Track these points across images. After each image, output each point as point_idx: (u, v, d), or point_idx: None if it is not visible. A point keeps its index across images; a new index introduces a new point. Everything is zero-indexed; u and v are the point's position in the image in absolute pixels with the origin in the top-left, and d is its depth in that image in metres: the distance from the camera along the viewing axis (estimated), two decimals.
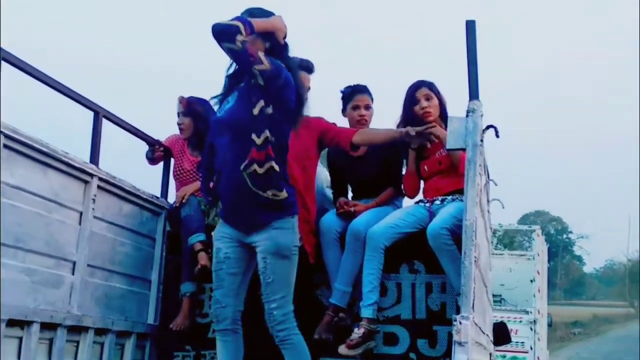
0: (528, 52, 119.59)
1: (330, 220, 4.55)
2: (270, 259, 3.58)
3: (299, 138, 4.12)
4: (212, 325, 3.78)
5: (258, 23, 3.60)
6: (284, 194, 3.63)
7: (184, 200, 4.92)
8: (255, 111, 3.55)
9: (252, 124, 3.57)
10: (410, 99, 4.54)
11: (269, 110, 3.58)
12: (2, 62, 3.57)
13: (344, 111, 4.76)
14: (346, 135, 4.38)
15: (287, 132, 3.71)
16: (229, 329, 3.74)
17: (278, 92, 3.59)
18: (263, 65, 3.53)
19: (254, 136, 3.55)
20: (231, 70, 3.80)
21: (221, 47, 3.51)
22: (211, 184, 3.81)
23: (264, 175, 3.58)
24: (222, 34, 3.49)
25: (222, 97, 3.80)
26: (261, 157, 3.56)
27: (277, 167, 3.61)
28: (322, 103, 4.64)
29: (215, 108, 3.90)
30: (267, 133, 3.56)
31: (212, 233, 3.92)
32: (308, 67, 4.54)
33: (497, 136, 3.28)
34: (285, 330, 3.62)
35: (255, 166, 3.55)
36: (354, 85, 4.76)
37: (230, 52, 3.51)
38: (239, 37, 3.48)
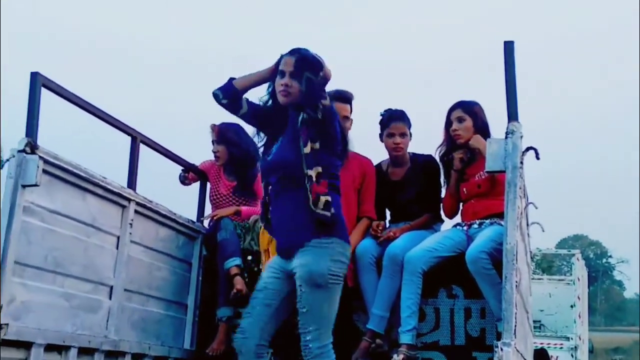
0: (574, 79, 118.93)
1: (366, 244, 4.51)
2: (305, 288, 3.40)
3: (347, 170, 4.13)
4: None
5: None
6: (329, 212, 3.46)
7: (214, 218, 4.95)
8: (307, 150, 3.46)
9: (305, 162, 3.47)
10: (447, 121, 4.52)
11: (317, 145, 3.49)
12: (42, 89, 3.63)
13: (381, 136, 4.75)
14: (363, 209, 4.59)
15: (337, 165, 3.63)
16: None
17: (332, 129, 3.53)
18: (326, 100, 3.47)
19: (309, 172, 3.45)
20: (266, 102, 3.73)
21: (298, 73, 3.45)
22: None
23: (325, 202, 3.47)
24: (308, 63, 3.44)
25: (266, 142, 3.74)
26: (323, 190, 3.47)
27: (329, 198, 3.49)
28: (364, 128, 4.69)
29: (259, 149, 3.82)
30: (318, 169, 3.47)
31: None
32: (346, 97, 4.56)
33: (538, 158, 3.23)
34: None
35: (322, 198, 3.44)
36: (391, 112, 4.74)
37: (308, 83, 3.43)
38: (321, 73, 3.43)
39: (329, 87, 3.57)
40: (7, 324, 3.35)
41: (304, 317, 3.41)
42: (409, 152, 4.78)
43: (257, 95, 3.74)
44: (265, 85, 3.70)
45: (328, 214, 3.44)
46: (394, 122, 4.69)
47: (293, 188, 3.49)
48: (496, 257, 4.00)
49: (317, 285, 3.40)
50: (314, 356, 3.41)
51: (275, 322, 3.64)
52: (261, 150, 3.76)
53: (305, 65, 3.43)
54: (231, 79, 3.68)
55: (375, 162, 4.81)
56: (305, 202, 3.42)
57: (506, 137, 3.07)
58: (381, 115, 4.77)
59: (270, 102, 3.70)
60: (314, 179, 3.44)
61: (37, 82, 3.59)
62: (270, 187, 3.63)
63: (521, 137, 3.08)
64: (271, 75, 3.64)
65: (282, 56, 3.60)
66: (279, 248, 3.65)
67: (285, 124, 3.63)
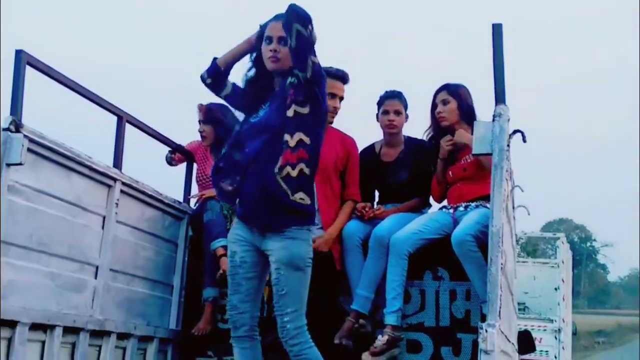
0: (560, 55, 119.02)
1: (352, 226, 4.52)
2: (284, 270, 3.43)
3: (329, 147, 4.12)
4: (230, 332, 3.65)
5: None
6: (307, 200, 3.50)
7: (201, 198, 4.95)
8: (290, 113, 3.45)
9: (286, 125, 3.47)
10: (433, 103, 4.52)
11: (305, 110, 3.46)
12: (27, 67, 3.59)
13: (377, 116, 4.74)
14: (348, 192, 4.58)
15: (320, 136, 3.60)
16: (247, 335, 3.64)
17: (319, 89, 3.48)
18: (316, 58, 3.41)
19: (287, 137, 3.44)
20: (250, 73, 3.70)
21: (288, 27, 3.36)
22: (229, 187, 3.64)
23: (296, 178, 3.46)
24: (298, 16, 3.35)
25: (252, 106, 3.69)
26: (293, 159, 3.45)
27: (307, 171, 3.49)
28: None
29: (240, 117, 3.81)
30: (300, 135, 3.46)
31: (227, 235, 3.81)
32: (343, 77, 4.54)
33: (524, 141, 3.23)
34: (299, 345, 3.45)
35: (288, 168, 3.43)
36: (388, 91, 4.74)
37: (298, 36, 3.33)
38: (309, 26, 3.37)
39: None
40: None
41: (282, 299, 3.43)
42: (403, 135, 4.77)
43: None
44: (246, 58, 3.69)
45: (305, 203, 3.48)
46: (389, 99, 4.68)
47: (274, 158, 3.46)
48: (482, 239, 4.01)
49: (297, 268, 3.44)
50: (292, 337, 3.43)
51: (260, 295, 3.69)
52: (242, 117, 3.74)
53: (294, 19, 3.35)
54: (215, 59, 3.67)
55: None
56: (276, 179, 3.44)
57: (493, 120, 3.07)
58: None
59: (253, 70, 3.68)
60: (290, 144, 3.44)
61: (22, 59, 3.56)
62: (247, 150, 3.57)
63: (508, 120, 3.08)
64: (250, 47, 3.65)
65: (263, 25, 3.59)
66: (247, 218, 3.58)
67: (270, 92, 3.62)
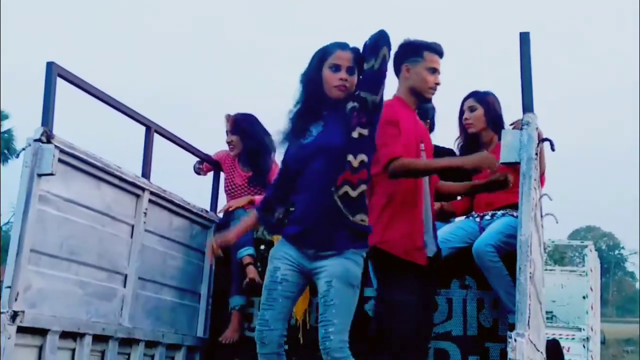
0: (594, 67, 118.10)
1: None
2: (337, 283, 3.36)
3: None
4: (257, 348, 3.58)
5: None
6: (367, 221, 3.46)
7: (229, 210, 4.97)
8: (355, 134, 3.42)
9: (350, 147, 3.43)
10: (460, 110, 4.53)
11: (366, 132, 3.44)
12: (58, 79, 3.65)
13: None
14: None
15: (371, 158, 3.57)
16: (274, 352, 3.56)
17: (378, 115, 3.49)
18: (383, 88, 3.46)
19: (350, 157, 3.41)
20: (298, 108, 3.62)
21: (375, 49, 3.40)
22: (280, 216, 3.60)
23: (357, 199, 3.42)
24: (388, 42, 3.43)
25: (299, 132, 3.60)
26: (354, 180, 3.41)
27: (366, 192, 3.47)
28: None
29: (281, 142, 3.68)
30: (363, 156, 3.43)
31: (271, 250, 3.68)
32: (440, 50, 4.05)
33: (553, 149, 3.22)
34: (342, 359, 3.35)
35: (347, 188, 3.39)
36: None
37: (383, 60, 3.38)
38: (389, 55, 3.46)
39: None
40: (23, 312, 3.39)
41: (329, 309, 3.35)
42: (434, 144, 4.72)
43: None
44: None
45: (366, 224, 3.44)
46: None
47: (334, 178, 3.41)
48: (504, 249, 4.00)
49: (350, 284, 3.39)
50: (335, 349, 3.33)
51: (289, 316, 3.62)
52: (281, 139, 3.65)
53: (385, 42, 3.41)
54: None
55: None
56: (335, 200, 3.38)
57: (521, 128, 3.06)
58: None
59: (300, 105, 3.61)
60: (354, 164, 3.40)
61: (53, 71, 3.62)
62: (302, 173, 3.51)
63: (536, 128, 3.06)
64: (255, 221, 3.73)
65: (321, 50, 3.56)
66: (303, 239, 3.50)
67: (315, 115, 3.57)
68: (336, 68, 3.49)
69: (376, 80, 3.42)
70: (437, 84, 3.93)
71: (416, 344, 3.80)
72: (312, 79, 3.56)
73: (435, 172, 3.95)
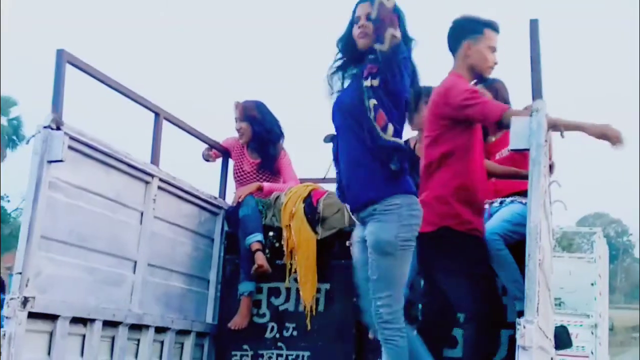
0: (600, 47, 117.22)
1: None
2: (374, 255, 3.34)
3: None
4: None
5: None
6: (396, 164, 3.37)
7: (240, 200, 4.96)
8: (367, 83, 3.40)
9: (366, 94, 3.41)
10: None
11: (375, 82, 3.39)
12: (67, 65, 3.65)
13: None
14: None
15: (394, 114, 3.45)
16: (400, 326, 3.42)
17: (397, 66, 3.40)
18: (398, 32, 3.35)
19: (368, 102, 3.37)
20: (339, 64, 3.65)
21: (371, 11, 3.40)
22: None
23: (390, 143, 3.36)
24: None
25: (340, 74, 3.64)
26: (380, 121, 3.35)
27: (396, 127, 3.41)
28: None
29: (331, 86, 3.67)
30: (374, 101, 3.37)
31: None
32: (498, 28, 3.94)
33: (562, 136, 3.20)
34: (391, 330, 3.36)
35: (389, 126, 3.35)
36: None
37: (380, 7, 3.35)
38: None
39: None
40: (33, 297, 3.42)
41: (375, 284, 3.36)
42: None
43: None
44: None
45: (395, 160, 3.36)
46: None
47: (356, 132, 3.41)
48: (512, 237, 3.99)
49: (386, 253, 3.33)
50: (384, 321, 3.36)
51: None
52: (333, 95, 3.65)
53: None
54: None
55: None
56: (369, 146, 3.35)
57: (531, 115, 3.05)
58: None
59: (340, 60, 3.64)
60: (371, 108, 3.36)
61: (62, 59, 3.62)
62: (337, 134, 3.56)
63: (546, 115, 3.05)
64: None
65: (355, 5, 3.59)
66: (352, 210, 3.53)
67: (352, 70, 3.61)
68: (357, 20, 3.53)
69: (378, 28, 3.37)
70: (496, 63, 3.84)
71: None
72: (343, 36, 3.61)
73: (557, 128, 3.59)
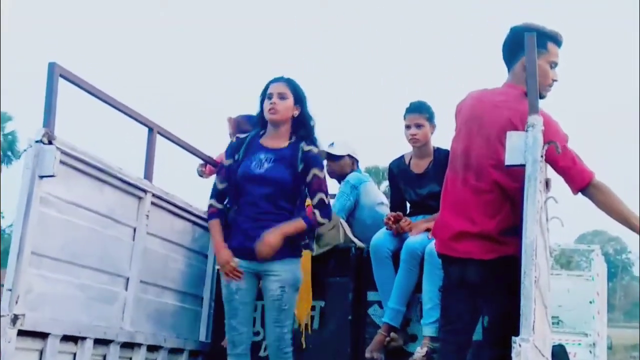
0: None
1: (382, 238, 4.48)
2: (288, 290, 3.85)
3: None
4: (227, 350, 3.98)
5: None
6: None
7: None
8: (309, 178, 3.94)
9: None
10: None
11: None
12: (60, 79, 3.62)
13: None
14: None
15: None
16: (244, 353, 3.96)
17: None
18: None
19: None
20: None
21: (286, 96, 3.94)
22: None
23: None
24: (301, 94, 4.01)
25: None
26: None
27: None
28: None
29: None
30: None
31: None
32: (561, 40, 3.59)
33: (558, 152, 3.17)
34: (289, 353, 3.92)
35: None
36: (411, 103, 4.66)
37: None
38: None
39: None
40: (23, 315, 3.36)
41: (283, 313, 3.86)
42: (433, 146, 4.69)
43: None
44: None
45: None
46: (409, 113, 4.62)
47: (284, 205, 3.86)
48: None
49: (296, 289, 3.91)
50: (287, 345, 3.89)
51: (252, 315, 4.14)
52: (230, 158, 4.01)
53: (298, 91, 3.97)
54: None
55: None
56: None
57: (527, 131, 3.01)
58: None
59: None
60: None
61: (55, 72, 3.59)
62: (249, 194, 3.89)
63: (542, 130, 3.02)
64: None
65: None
66: (248, 251, 3.81)
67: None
68: (269, 97, 3.93)
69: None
70: (555, 80, 3.52)
71: None
72: (258, 117, 4.07)
73: (621, 220, 3.63)
